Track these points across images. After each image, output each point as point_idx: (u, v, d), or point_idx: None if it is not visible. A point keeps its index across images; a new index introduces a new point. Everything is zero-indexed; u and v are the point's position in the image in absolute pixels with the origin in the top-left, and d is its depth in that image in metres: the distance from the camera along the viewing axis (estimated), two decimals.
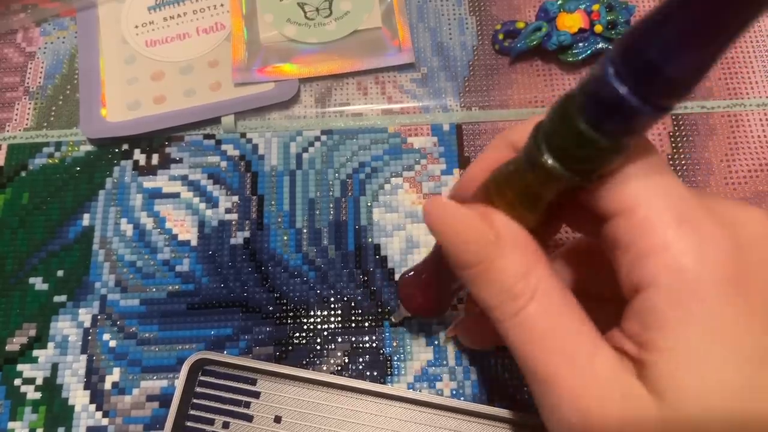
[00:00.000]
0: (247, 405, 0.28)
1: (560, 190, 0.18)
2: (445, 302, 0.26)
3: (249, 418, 0.28)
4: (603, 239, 0.18)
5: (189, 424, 0.28)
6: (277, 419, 0.28)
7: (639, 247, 0.17)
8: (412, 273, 0.26)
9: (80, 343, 0.30)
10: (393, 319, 0.30)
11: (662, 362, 0.16)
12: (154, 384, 0.29)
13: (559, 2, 0.34)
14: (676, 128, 0.34)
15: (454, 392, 0.29)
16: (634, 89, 0.15)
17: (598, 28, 0.33)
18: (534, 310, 0.18)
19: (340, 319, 0.30)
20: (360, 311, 0.30)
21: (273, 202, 0.33)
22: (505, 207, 0.19)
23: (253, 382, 0.28)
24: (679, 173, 0.33)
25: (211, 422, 0.28)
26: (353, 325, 0.30)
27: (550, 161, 0.17)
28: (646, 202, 0.17)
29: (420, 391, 0.29)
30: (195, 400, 0.28)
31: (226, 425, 0.28)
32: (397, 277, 0.31)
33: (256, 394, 0.28)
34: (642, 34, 0.14)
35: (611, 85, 0.15)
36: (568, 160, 0.17)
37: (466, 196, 0.21)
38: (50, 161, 0.34)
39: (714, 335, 0.16)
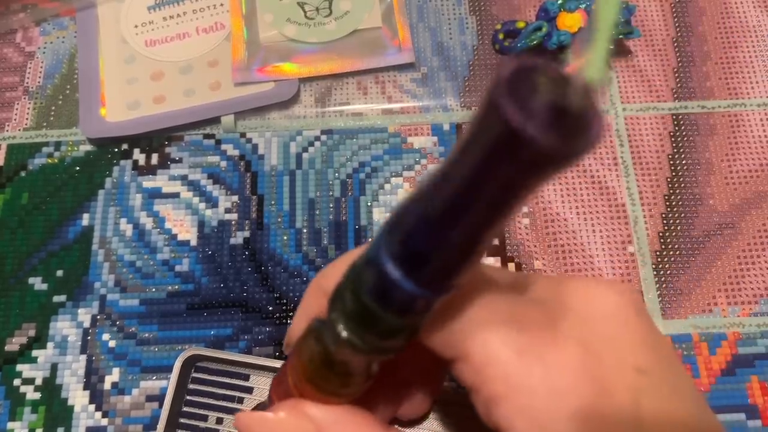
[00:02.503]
0: (240, 400, 0.28)
1: (368, 363, 0.17)
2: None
3: None
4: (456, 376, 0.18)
5: (183, 420, 0.27)
6: None
7: (487, 393, 0.16)
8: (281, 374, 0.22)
9: (80, 343, 0.30)
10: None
11: None
12: (154, 384, 0.29)
13: (560, 2, 0.34)
14: (676, 128, 0.34)
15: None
16: (407, 273, 0.14)
17: None
18: None
19: None
20: None
21: (273, 202, 0.33)
22: (318, 380, 0.17)
23: (246, 378, 0.28)
24: (680, 173, 0.33)
25: (204, 418, 0.28)
26: None
27: (344, 334, 0.15)
28: (480, 343, 0.16)
29: None
30: (188, 397, 0.28)
31: (219, 421, 0.27)
32: None
33: (249, 390, 0.28)
34: (402, 219, 0.14)
35: (384, 270, 0.14)
36: (365, 334, 0.15)
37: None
38: (50, 161, 0.34)
39: None
